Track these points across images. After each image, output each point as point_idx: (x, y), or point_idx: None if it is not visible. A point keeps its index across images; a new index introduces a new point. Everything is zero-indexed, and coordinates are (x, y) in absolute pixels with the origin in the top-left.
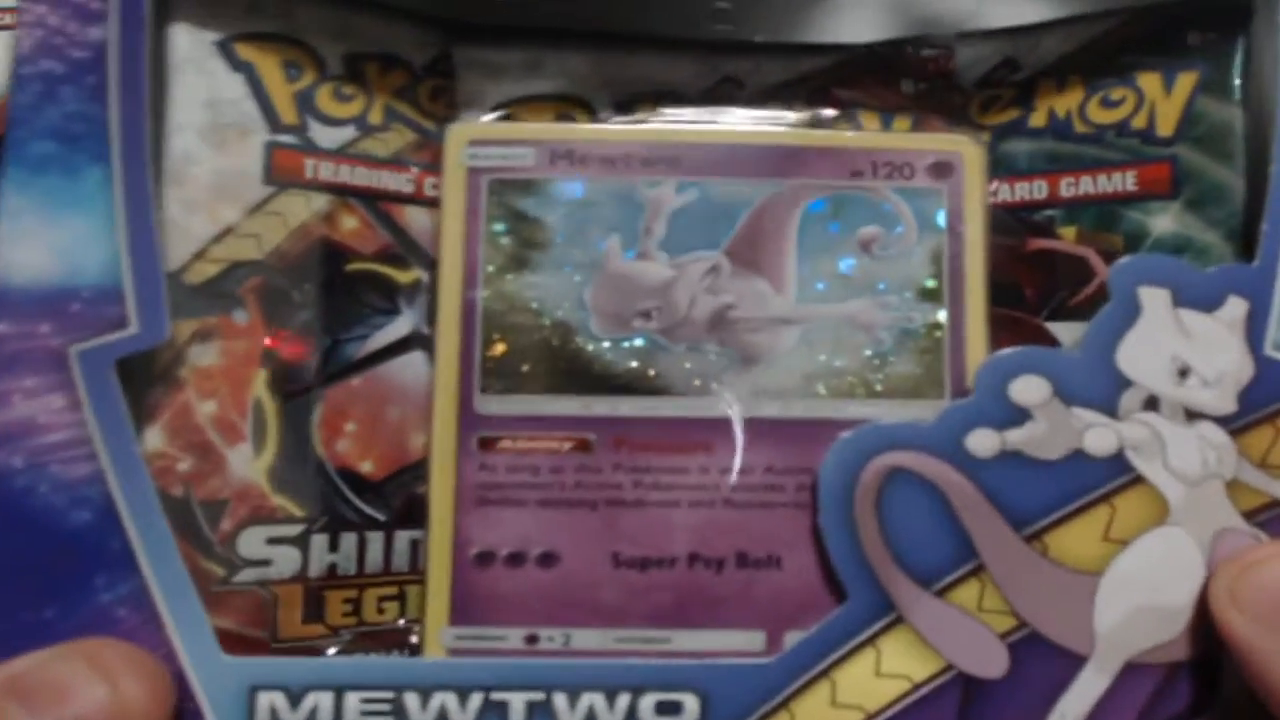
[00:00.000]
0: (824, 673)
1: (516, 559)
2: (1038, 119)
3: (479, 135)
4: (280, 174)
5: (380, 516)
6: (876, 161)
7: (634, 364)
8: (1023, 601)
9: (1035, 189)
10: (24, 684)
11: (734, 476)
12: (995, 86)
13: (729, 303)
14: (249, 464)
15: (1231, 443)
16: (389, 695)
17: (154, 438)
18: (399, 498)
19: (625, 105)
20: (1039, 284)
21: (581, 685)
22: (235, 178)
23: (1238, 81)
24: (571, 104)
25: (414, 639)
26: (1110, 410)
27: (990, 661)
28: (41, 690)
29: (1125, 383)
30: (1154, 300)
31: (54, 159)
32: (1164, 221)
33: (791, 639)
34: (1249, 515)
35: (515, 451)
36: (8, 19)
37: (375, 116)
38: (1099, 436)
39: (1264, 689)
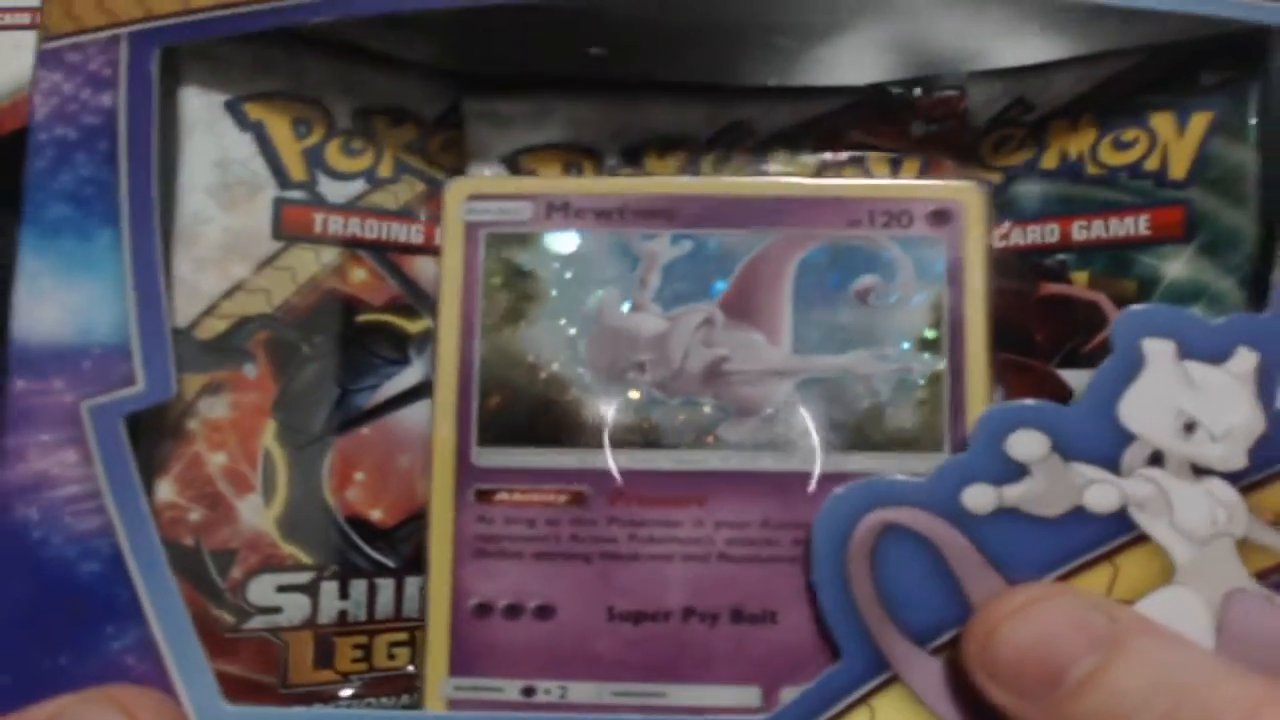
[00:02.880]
0: None
1: (514, 611)
2: (1050, 160)
3: (477, 190)
4: (289, 229)
5: (390, 563)
6: (874, 210)
7: (629, 417)
8: None
9: (1047, 232)
10: None
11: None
12: (1007, 127)
13: (723, 355)
14: (259, 513)
15: (1241, 500)
16: None
17: (165, 489)
18: (409, 545)
19: (633, 152)
20: (1050, 330)
21: None
22: (245, 235)
23: (1253, 122)
24: (580, 152)
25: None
26: (1113, 466)
27: None
28: None
29: (1128, 438)
30: (1159, 352)
31: (68, 222)
32: (1177, 267)
33: (788, 695)
34: (1261, 576)
35: (512, 504)
36: (7, 19)
37: (385, 169)
38: (1101, 493)
39: None
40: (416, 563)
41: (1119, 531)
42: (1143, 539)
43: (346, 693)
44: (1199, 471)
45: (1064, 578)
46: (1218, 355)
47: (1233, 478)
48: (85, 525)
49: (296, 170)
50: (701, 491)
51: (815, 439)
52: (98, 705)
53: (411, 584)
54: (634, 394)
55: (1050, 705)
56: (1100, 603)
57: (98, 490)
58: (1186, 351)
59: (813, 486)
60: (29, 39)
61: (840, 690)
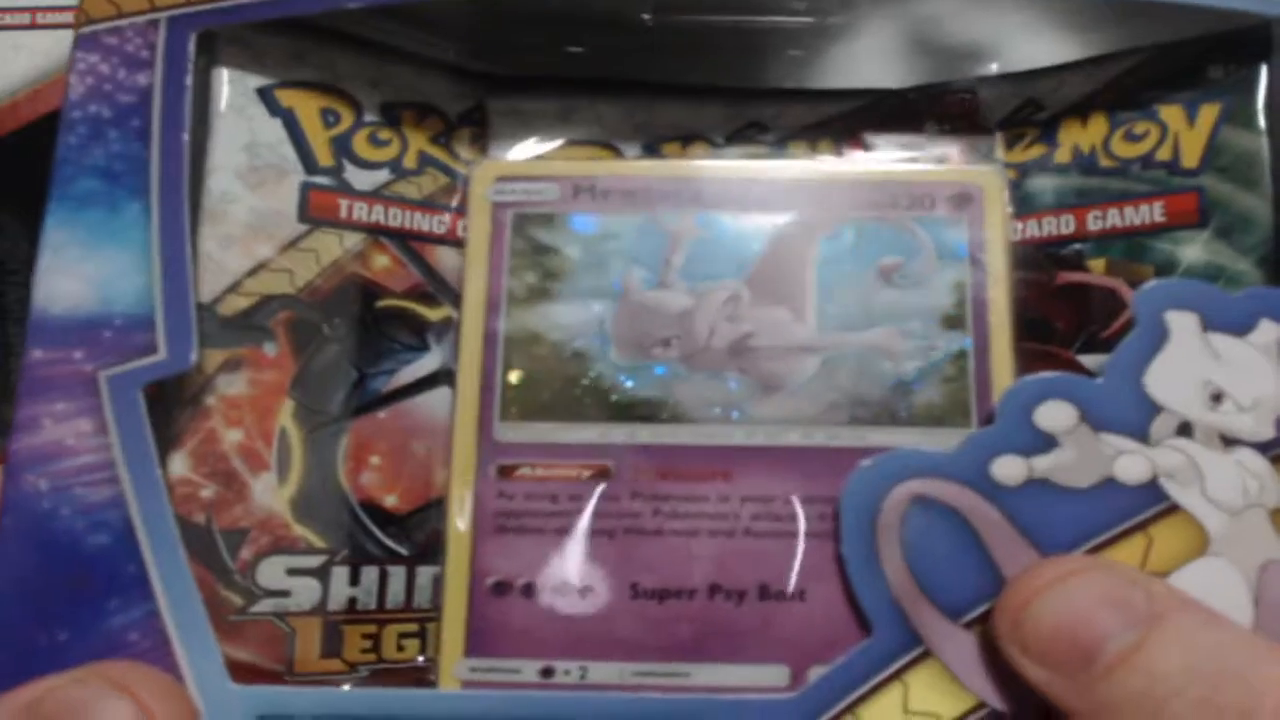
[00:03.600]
0: (849, 709)
1: (533, 589)
2: (1062, 155)
3: (504, 172)
4: (315, 213)
5: (403, 551)
6: (897, 193)
7: (654, 392)
8: None
9: (1063, 224)
10: (47, 708)
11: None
12: (1020, 125)
13: (749, 331)
14: (272, 493)
15: (1273, 470)
16: None
17: (179, 463)
18: (422, 532)
19: (654, 150)
20: (1070, 318)
21: None
22: (271, 216)
23: (1261, 110)
24: (602, 149)
25: (432, 677)
26: (1141, 437)
27: (1024, 699)
28: (65, 714)
29: (1155, 409)
30: (1182, 324)
31: (97, 195)
32: (1194, 251)
33: (816, 673)
34: None
35: (534, 479)
36: (8, 19)
37: (410, 161)
38: (1131, 463)
39: None
40: (429, 551)
41: (1151, 502)
42: (1175, 510)
43: (350, 686)
44: (1228, 442)
45: (1097, 548)
46: (1241, 328)
47: (1262, 448)
48: (96, 496)
49: (324, 157)
50: (727, 466)
51: (840, 414)
52: (91, 685)
53: (423, 573)
54: (658, 369)
55: (1083, 683)
56: (1137, 578)
57: (111, 461)
58: (1209, 324)
59: (839, 461)
60: (29, 39)
61: (872, 667)
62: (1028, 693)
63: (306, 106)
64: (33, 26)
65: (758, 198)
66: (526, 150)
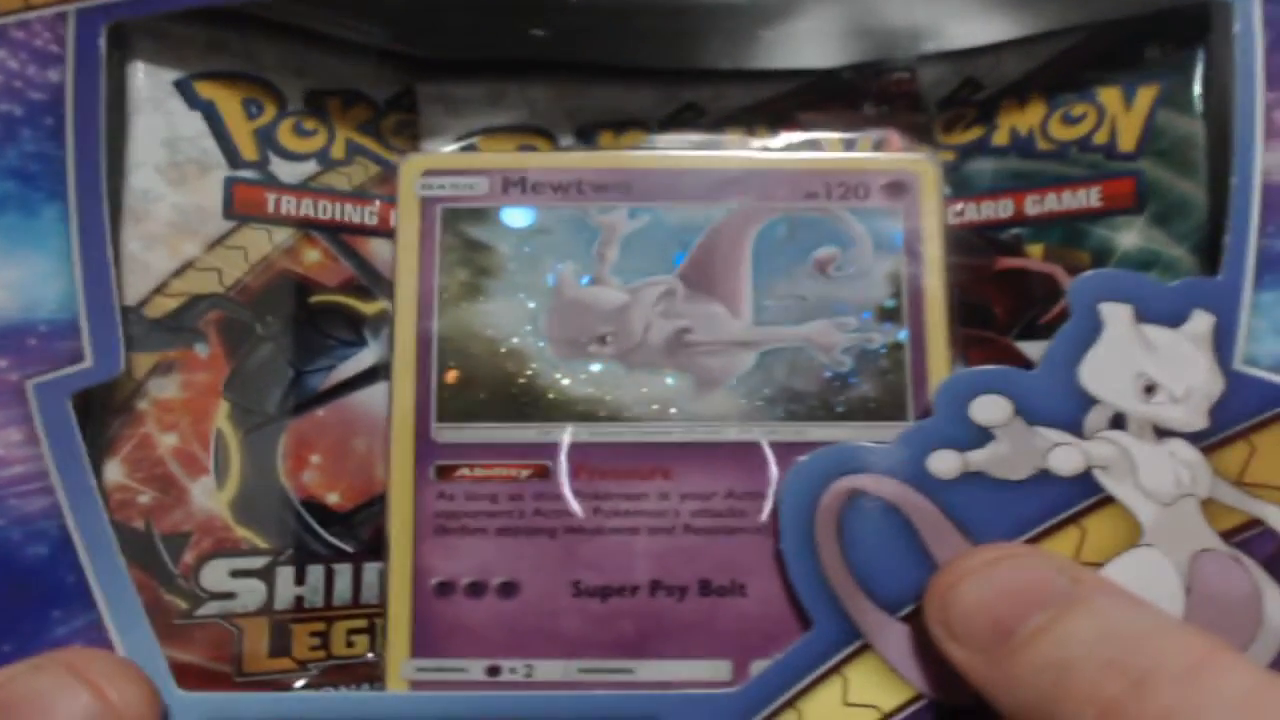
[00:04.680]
0: (790, 702)
1: (477, 589)
2: (1000, 137)
3: (432, 165)
4: (242, 208)
5: (348, 548)
6: (830, 182)
7: (591, 390)
8: None
9: (1001, 208)
10: (4, 698)
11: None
12: (958, 106)
13: (685, 326)
14: (212, 496)
15: (1204, 460)
16: None
17: (114, 470)
18: (367, 529)
19: (587, 134)
20: (1008, 303)
21: (543, 718)
22: (195, 213)
23: (1198, 94)
24: (533, 134)
25: (383, 674)
26: (1075, 429)
27: (960, 690)
28: (22, 704)
29: (1089, 401)
30: (1116, 316)
31: (12, 198)
32: (1130, 237)
33: (758, 668)
34: (1227, 535)
35: (473, 479)
36: None
37: (338, 151)
38: (1065, 456)
39: (1009, 712)
40: (374, 548)
41: (1085, 494)
42: (1109, 501)
43: (301, 683)
44: (1161, 433)
45: (1032, 541)
46: (1174, 318)
47: (1194, 438)
48: (30, 507)
49: (248, 150)
50: (666, 464)
51: (778, 408)
52: (49, 673)
53: (370, 570)
54: (595, 367)
55: (999, 658)
56: (1065, 565)
57: (44, 470)
58: (1143, 315)
59: (776, 457)
60: None
61: (812, 660)
62: (963, 683)
63: (227, 98)
64: None
65: (690, 189)
66: (457, 134)
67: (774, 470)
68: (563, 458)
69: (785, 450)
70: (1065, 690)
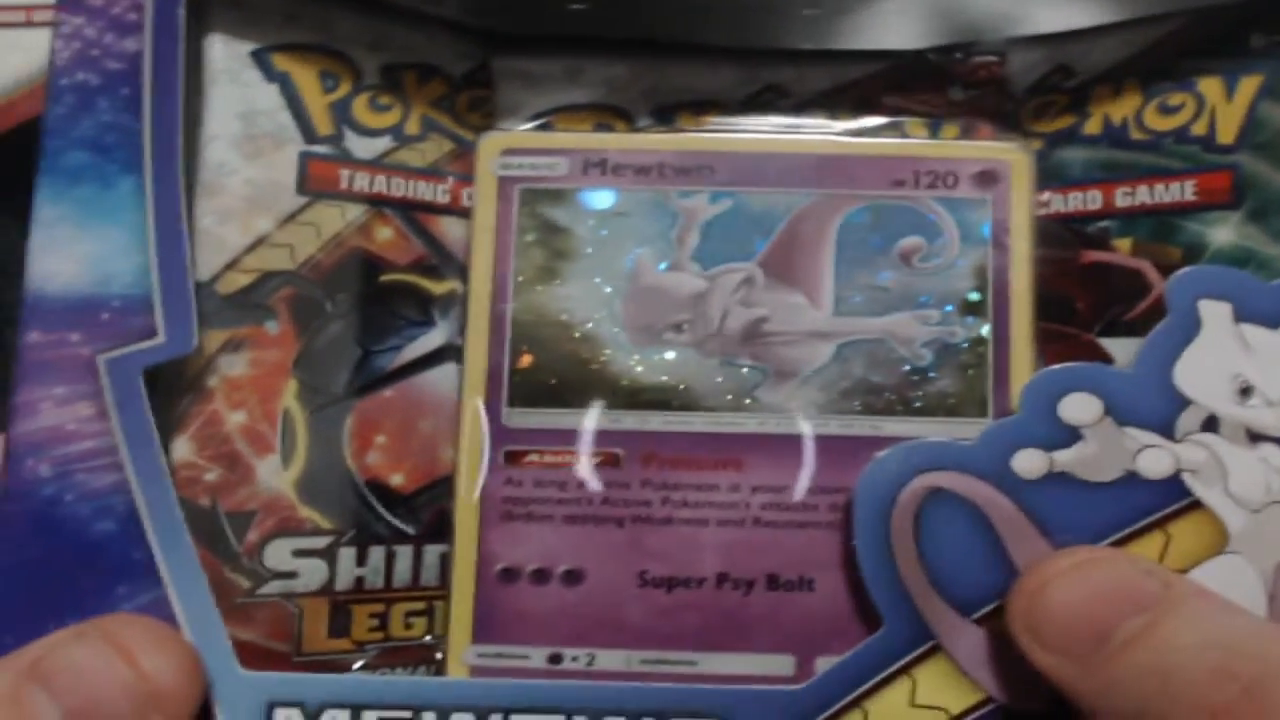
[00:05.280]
0: (855, 702)
1: (541, 575)
2: (1092, 126)
3: (511, 144)
4: (315, 184)
5: (409, 530)
6: (919, 170)
7: (664, 378)
8: None
9: (1089, 199)
10: (44, 667)
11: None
12: (1048, 93)
13: (762, 315)
14: (277, 475)
15: None
16: (407, 715)
17: (182, 447)
18: (429, 511)
19: (665, 114)
20: (1092, 298)
21: (604, 709)
22: (269, 188)
23: None
24: (610, 113)
25: (440, 655)
26: (1166, 431)
27: (1032, 695)
28: (62, 673)
29: (1183, 402)
30: (1214, 314)
31: (88, 169)
32: (1224, 233)
33: (823, 665)
34: None
35: (542, 466)
36: (4, 16)
37: (412, 127)
38: (1154, 458)
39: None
40: (436, 530)
41: (1172, 498)
42: (1196, 506)
43: (359, 664)
44: (1254, 437)
45: (1116, 545)
46: (1275, 318)
47: None
48: (99, 482)
49: (323, 124)
50: (738, 455)
51: (854, 402)
52: (90, 643)
53: (430, 552)
54: (670, 354)
55: (1094, 664)
56: (1153, 569)
57: (113, 446)
58: (1242, 314)
59: (852, 450)
60: (24, 37)
61: (880, 660)
62: (1035, 688)
63: (303, 70)
64: (28, 25)
65: (775, 174)
66: (532, 111)
67: (848, 464)
68: (633, 446)
69: (861, 445)
70: (1171, 697)
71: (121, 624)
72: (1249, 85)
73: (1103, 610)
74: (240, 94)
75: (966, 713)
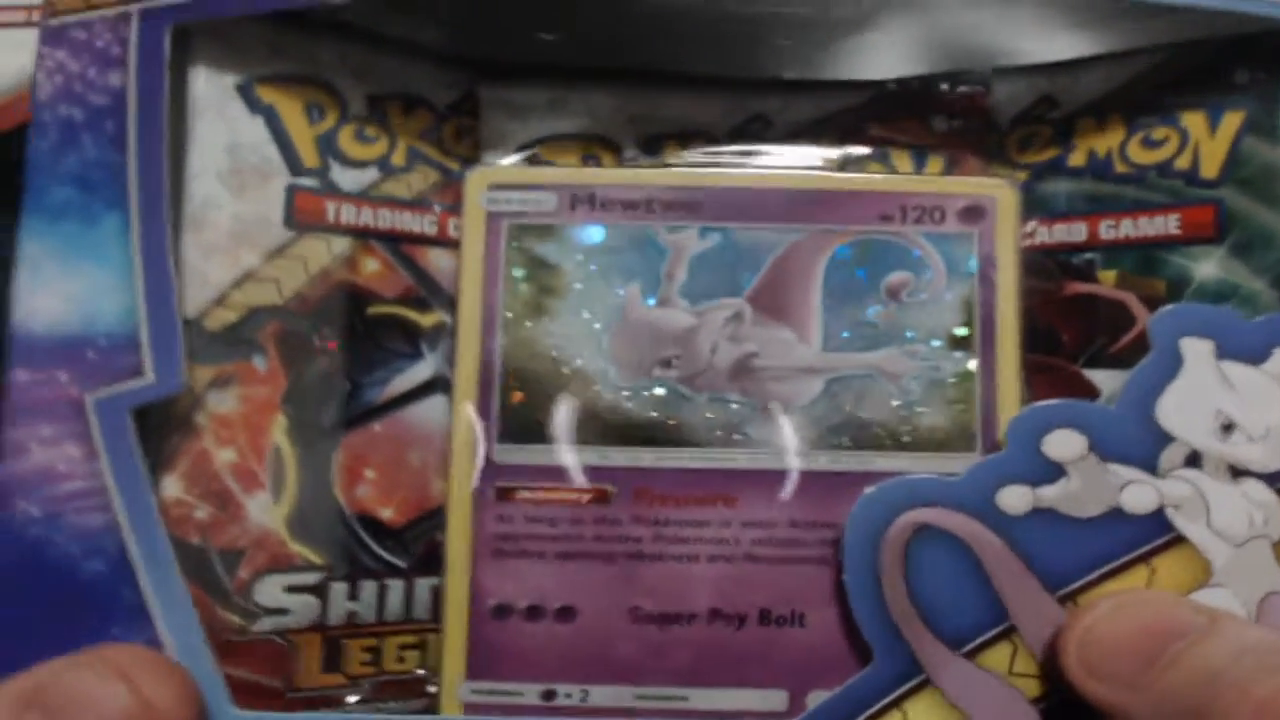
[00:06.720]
0: None
1: (534, 612)
2: (1077, 158)
3: (499, 179)
4: (302, 217)
5: (401, 564)
6: (906, 205)
7: (654, 414)
8: None
9: (1074, 231)
10: (45, 694)
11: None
12: (1032, 124)
13: (752, 351)
14: (267, 512)
15: (1279, 501)
16: None
17: (172, 486)
18: (420, 545)
19: (651, 144)
20: (1077, 330)
21: None
22: (256, 222)
23: None
24: (597, 143)
25: (433, 688)
26: (1149, 466)
27: None
28: (63, 699)
29: (1165, 438)
30: (1197, 352)
31: (72, 206)
32: (1208, 267)
33: (815, 699)
34: None
35: (533, 502)
36: (5, 16)
37: (398, 158)
38: (1138, 494)
39: None
40: (427, 563)
41: (1156, 533)
42: (1180, 541)
43: (354, 699)
44: (1236, 473)
45: (1100, 579)
46: (1256, 355)
47: (1270, 479)
48: (89, 522)
49: (309, 157)
50: (729, 490)
51: (843, 437)
52: (90, 670)
53: (422, 585)
54: (660, 390)
55: (1144, 684)
56: (1197, 604)
57: (102, 486)
58: (1224, 351)
59: (841, 485)
60: (27, 36)
61: (871, 694)
62: None
63: (289, 103)
64: (29, 25)
65: (763, 209)
66: (518, 142)
67: (838, 500)
68: (624, 483)
69: (850, 480)
70: (1216, 695)
71: (121, 652)
72: (1232, 120)
73: (1152, 639)
74: (225, 127)
75: None
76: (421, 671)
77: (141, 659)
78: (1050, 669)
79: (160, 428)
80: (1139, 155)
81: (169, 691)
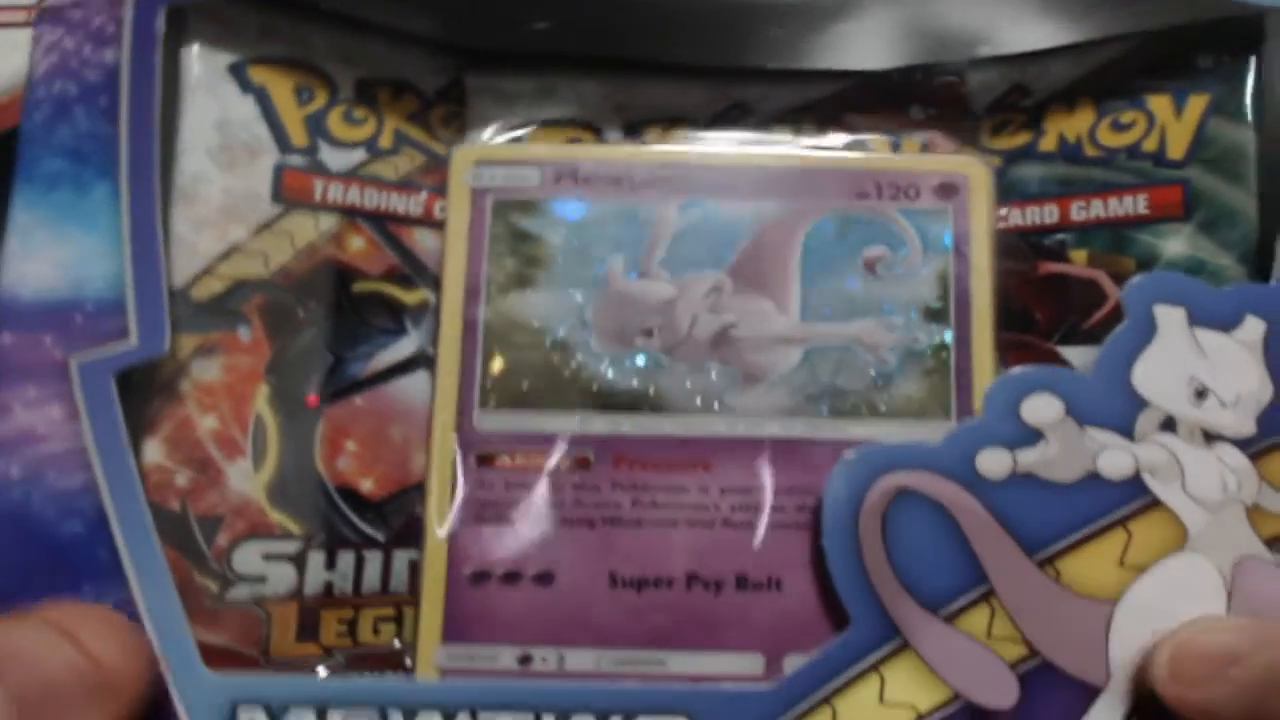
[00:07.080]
0: (825, 700)
1: (512, 577)
2: (1048, 143)
3: (484, 156)
4: (290, 194)
5: (379, 536)
6: (881, 182)
7: (635, 382)
8: (1034, 629)
9: (1046, 213)
10: None
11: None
12: (1006, 111)
13: (731, 322)
14: (248, 480)
15: (1252, 466)
16: (374, 715)
17: (153, 451)
18: (399, 518)
19: (635, 131)
20: (1051, 308)
21: (573, 708)
22: (244, 197)
23: (1249, 103)
24: (582, 129)
25: (409, 662)
26: (1126, 432)
27: (1000, 692)
28: (4, 657)
29: (1141, 403)
30: (1170, 319)
31: (64, 176)
32: (1176, 244)
33: (791, 664)
34: (1272, 542)
35: (513, 468)
36: (4, 16)
37: (386, 140)
38: (1114, 458)
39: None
40: (406, 536)
41: (1132, 497)
42: (1156, 505)
43: (324, 673)
44: (1210, 438)
45: (1078, 543)
46: (1227, 323)
47: (1243, 444)
48: (68, 483)
49: (298, 136)
50: (707, 457)
51: (821, 405)
52: (32, 628)
53: (400, 558)
54: (641, 359)
55: (1230, 676)
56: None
57: (83, 448)
58: (1196, 319)
59: (818, 453)
60: (21, 37)
61: (848, 658)
62: (1003, 685)
63: (280, 84)
64: (29, 24)
65: (741, 186)
66: (504, 127)
67: (815, 466)
68: (604, 449)
69: (828, 447)
70: None
71: (65, 609)
72: (1197, 103)
73: (1221, 645)
74: (217, 105)
75: (934, 710)
76: (397, 644)
77: (86, 615)
78: (1139, 693)
79: (144, 394)
80: (1108, 138)
81: (116, 646)
